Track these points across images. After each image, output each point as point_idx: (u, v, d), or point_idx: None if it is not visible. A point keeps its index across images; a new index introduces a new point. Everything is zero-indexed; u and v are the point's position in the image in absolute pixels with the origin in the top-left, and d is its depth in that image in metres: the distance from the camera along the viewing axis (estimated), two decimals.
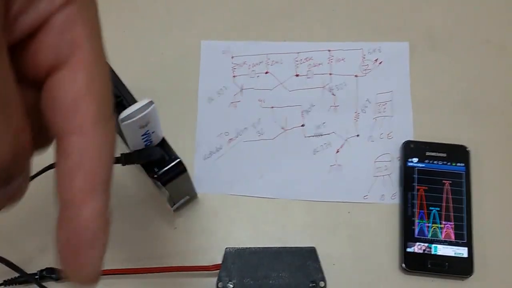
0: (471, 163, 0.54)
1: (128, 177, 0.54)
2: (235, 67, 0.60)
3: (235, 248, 0.48)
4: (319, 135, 0.57)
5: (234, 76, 0.59)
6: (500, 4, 0.62)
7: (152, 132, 0.43)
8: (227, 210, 0.54)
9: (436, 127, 0.57)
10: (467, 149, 0.55)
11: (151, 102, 0.40)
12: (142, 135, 0.42)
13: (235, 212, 0.54)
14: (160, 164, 0.44)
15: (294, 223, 0.53)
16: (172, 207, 0.51)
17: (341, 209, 0.54)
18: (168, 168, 0.44)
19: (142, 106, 0.40)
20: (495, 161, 0.55)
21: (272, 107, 0.58)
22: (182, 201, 0.51)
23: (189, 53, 0.61)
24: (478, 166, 0.54)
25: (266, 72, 0.59)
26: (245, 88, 0.59)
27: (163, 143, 0.46)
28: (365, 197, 0.54)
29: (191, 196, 0.52)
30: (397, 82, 0.58)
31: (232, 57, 0.60)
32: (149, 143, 0.43)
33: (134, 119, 0.39)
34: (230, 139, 0.57)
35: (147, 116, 0.40)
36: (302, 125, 0.57)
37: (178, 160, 0.44)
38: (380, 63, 0.59)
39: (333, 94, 0.58)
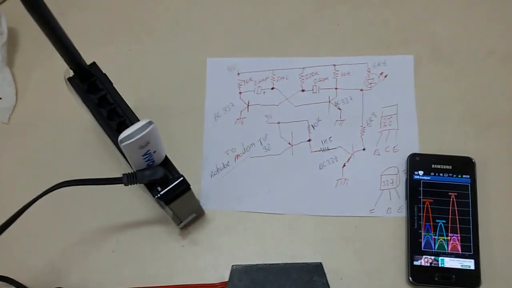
0: (477, 175, 0.54)
1: (133, 196, 0.55)
2: (241, 84, 0.60)
3: (241, 265, 0.48)
4: (325, 150, 0.57)
5: (240, 93, 0.60)
6: (504, 16, 0.62)
7: (154, 152, 0.43)
8: (234, 226, 0.55)
9: (442, 139, 0.57)
10: (472, 161, 0.55)
11: (150, 122, 0.41)
12: (143, 155, 0.42)
13: (243, 229, 0.54)
14: (163, 183, 0.45)
15: (301, 238, 0.54)
16: (178, 225, 0.52)
17: (348, 223, 0.54)
18: (171, 187, 0.44)
19: (141, 126, 0.41)
20: (501, 173, 0.55)
21: (279, 123, 0.58)
22: (189, 218, 0.52)
23: (195, 70, 0.62)
24: (483, 177, 0.54)
25: (272, 88, 0.60)
26: (251, 105, 0.59)
27: (166, 161, 0.47)
28: (371, 211, 0.54)
29: (197, 213, 0.53)
30: (402, 95, 0.58)
31: (238, 74, 0.61)
32: (151, 163, 0.44)
33: (133, 139, 0.40)
34: (237, 155, 0.57)
35: (146, 136, 0.41)
36: (309, 140, 0.57)
37: (181, 178, 0.45)
38: (385, 76, 0.59)
39: (339, 109, 0.59)
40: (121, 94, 0.50)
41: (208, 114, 0.59)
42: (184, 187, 0.45)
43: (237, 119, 0.59)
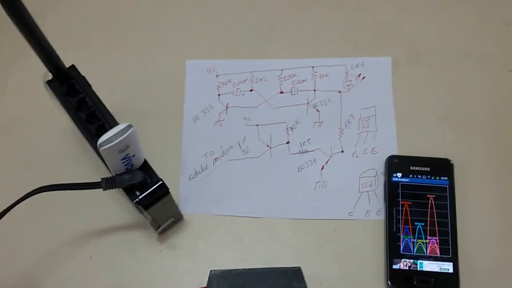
0: (455, 176, 0.54)
1: (111, 201, 0.54)
2: (220, 86, 0.60)
3: (220, 270, 0.48)
4: (304, 152, 0.57)
5: (219, 95, 0.60)
6: (480, 17, 0.62)
7: (133, 156, 0.43)
8: (213, 231, 0.54)
9: (420, 141, 0.57)
10: (451, 163, 0.55)
11: (130, 126, 0.40)
12: (122, 159, 0.42)
13: (221, 233, 0.54)
14: (142, 187, 0.44)
15: (280, 242, 0.53)
16: (156, 230, 0.51)
17: (327, 226, 0.54)
18: (150, 192, 0.44)
19: (120, 130, 0.40)
20: (479, 175, 0.55)
21: (257, 125, 0.58)
22: (167, 223, 0.52)
23: (174, 72, 0.61)
24: (462, 179, 0.54)
25: (251, 90, 0.60)
26: (230, 107, 0.59)
27: (145, 165, 0.46)
28: (350, 214, 0.54)
29: (176, 218, 0.52)
30: (380, 96, 0.58)
31: (217, 76, 0.60)
32: (130, 167, 0.44)
33: (112, 143, 0.40)
34: (216, 158, 0.57)
35: (126, 140, 0.40)
36: (287, 142, 0.57)
37: (160, 182, 0.44)
38: (363, 78, 0.59)
39: (317, 110, 0.58)
40: (100, 97, 0.49)
41: (187, 117, 0.59)
42: (163, 191, 0.45)
43: (216, 121, 0.58)
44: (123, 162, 0.42)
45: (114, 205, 0.55)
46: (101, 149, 0.39)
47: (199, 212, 0.55)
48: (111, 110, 0.54)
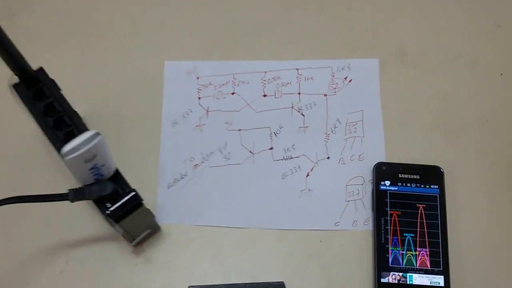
0: (446, 185, 0.52)
1: (83, 211, 0.51)
2: (200, 89, 0.57)
3: (199, 286, 0.45)
4: (288, 159, 0.54)
5: (199, 98, 0.57)
6: (472, 19, 0.60)
7: (102, 165, 0.40)
8: (192, 242, 0.51)
9: (409, 147, 0.54)
10: (441, 170, 0.52)
11: (97, 134, 0.37)
12: (90, 169, 0.39)
13: (201, 245, 0.51)
14: (113, 198, 0.41)
15: (264, 255, 0.51)
16: (131, 243, 0.48)
17: (313, 237, 0.51)
18: (122, 203, 0.41)
19: (87, 138, 0.37)
20: (471, 182, 0.53)
21: (239, 130, 0.56)
22: (142, 235, 0.49)
23: (152, 74, 0.58)
24: (453, 188, 0.52)
25: (233, 93, 0.57)
26: (211, 110, 0.56)
27: (117, 175, 0.43)
28: (336, 224, 0.52)
29: (152, 229, 0.50)
30: (367, 100, 0.56)
31: (197, 78, 0.58)
32: (99, 177, 0.41)
33: (78, 153, 0.37)
34: (196, 165, 0.54)
35: (93, 149, 0.37)
36: (271, 148, 0.55)
37: (133, 193, 0.42)
38: (350, 81, 0.57)
39: (302, 115, 0.56)
40: (72, 101, 0.47)
41: (165, 121, 0.56)
42: (136, 202, 0.42)
43: (196, 126, 0.56)
44: (92, 173, 0.39)
45: (86, 215, 0.51)
46: (65, 159, 0.36)
47: (178, 223, 0.52)
48: (85, 115, 0.52)
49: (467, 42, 0.59)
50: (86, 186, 0.40)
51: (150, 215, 0.47)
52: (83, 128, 0.44)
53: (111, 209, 0.41)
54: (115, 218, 0.41)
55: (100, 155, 0.38)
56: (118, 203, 0.40)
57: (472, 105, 0.56)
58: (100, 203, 0.42)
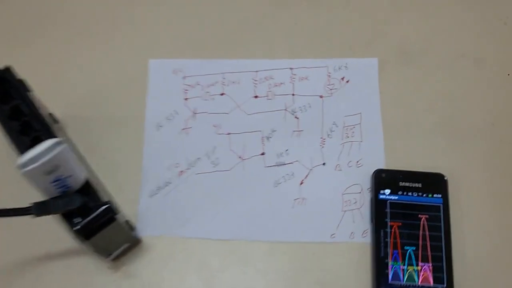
0: (450, 194, 0.49)
1: (53, 223, 0.47)
2: (187, 89, 0.54)
3: None
4: (281, 165, 0.51)
5: (186, 99, 0.54)
6: (477, 15, 0.57)
7: (68, 176, 0.36)
8: (176, 256, 0.48)
9: (410, 153, 0.51)
10: (444, 178, 0.49)
11: (59, 142, 0.33)
12: (53, 182, 0.35)
13: (186, 258, 0.48)
14: (83, 212, 0.38)
15: (254, 269, 0.47)
16: (106, 258, 0.44)
17: (306, 250, 0.48)
18: (92, 218, 0.37)
19: (47, 148, 0.33)
20: (476, 191, 0.50)
21: (229, 134, 0.52)
22: (120, 249, 0.45)
23: (135, 73, 0.55)
24: (457, 197, 0.49)
25: (222, 94, 0.54)
26: (198, 112, 0.53)
27: (87, 186, 0.39)
28: (332, 236, 0.48)
29: (132, 242, 0.46)
30: (366, 102, 0.53)
31: (184, 77, 0.55)
32: (66, 189, 0.37)
33: (35, 165, 0.33)
34: (181, 171, 0.51)
35: (54, 160, 0.34)
36: (262, 154, 0.52)
37: (105, 206, 0.38)
38: (347, 81, 0.54)
39: (296, 117, 0.53)
40: (48, 102, 0.45)
41: (149, 124, 0.53)
42: (109, 216, 0.38)
43: (182, 129, 0.53)
44: (56, 185, 0.35)
45: (57, 227, 0.47)
46: (21, 171, 0.32)
47: (161, 234, 0.49)
48: (62, 117, 0.50)
49: (472, 41, 0.56)
50: (52, 200, 0.36)
51: (127, 228, 0.43)
52: (52, 134, 0.40)
53: (81, 224, 0.37)
54: (84, 235, 0.37)
55: (64, 165, 0.34)
56: (88, 218, 0.36)
57: (477, 107, 0.53)
58: (69, 217, 0.38)
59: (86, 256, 0.47)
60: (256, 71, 0.55)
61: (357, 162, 0.51)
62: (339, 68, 0.54)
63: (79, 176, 0.37)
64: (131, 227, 0.47)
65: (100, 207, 0.38)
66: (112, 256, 0.45)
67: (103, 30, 0.57)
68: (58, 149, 0.33)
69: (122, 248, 0.45)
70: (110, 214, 0.38)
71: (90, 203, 0.38)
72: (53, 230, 0.47)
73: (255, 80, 0.54)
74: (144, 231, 0.49)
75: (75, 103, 0.53)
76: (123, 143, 0.52)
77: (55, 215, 0.38)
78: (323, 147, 0.52)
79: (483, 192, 0.50)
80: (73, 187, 0.37)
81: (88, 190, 0.39)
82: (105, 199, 0.41)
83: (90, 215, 0.37)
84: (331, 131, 0.52)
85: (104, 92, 0.54)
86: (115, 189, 0.50)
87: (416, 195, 0.49)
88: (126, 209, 0.49)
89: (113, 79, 0.55)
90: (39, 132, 0.40)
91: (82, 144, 0.52)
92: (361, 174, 0.50)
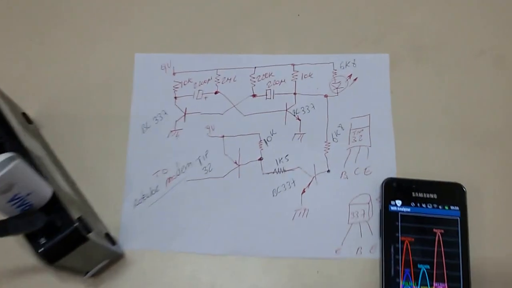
0: (468, 206, 0.45)
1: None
2: (177, 86, 0.51)
3: None
4: (280, 172, 0.48)
5: (175, 98, 0.51)
6: (497, 8, 0.53)
7: (28, 194, 0.31)
8: (163, 273, 0.44)
9: (424, 159, 0.48)
10: (463, 189, 0.46)
11: (12, 158, 0.28)
12: (10, 201, 0.30)
13: (174, 276, 0.44)
14: (49, 232, 0.33)
15: (249, 287, 0.43)
16: (84, 276, 0.39)
17: (308, 267, 0.44)
18: (58, 240, 0.32)
19: None
20: (498, 203, 0.46)
21: (223, 136, 0.49)
22: (98, 266, 0.40)
23: (119, 69, 0.51)
24: (476, 209, 0.45)
25: (216, 92, 0.51)
26: (189, 113, 0.50)
27: (53, 203, 0.34)
28: (337, 251, 0.45)
29: (112, 257, 0.41)
30: (375, 103, 0.50)
31: (174, 74, 0.51)
32: (27, 207, 0.32)
33: None
34: (170, 178, 0.48)
35: (7, 177, 0.29)
36: (260, 159, 0.49)
37: (74, 226, 0.33)
38: (355, 79, 0.51)
39: (298, 119, 0.50)
40: (21, 100, 0.44)
41: (134, 125, 0.50)
42: (79, 237, 0.33)
43: (171, 131, 0.49)
44: (14, 204, 0.30)
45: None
46: None
47: (146, 248, 0.45)
48: (37, 116, 0.47)
49: (492, 36, 0.52)
50: (10, 219, 0.31)
51: (107, 243, 0.39)
52: (16, 144, 0.35)
53: (44, 247, 0.32)
54: (49, 258, 0.32)
55: (20, 183, 0.30)
56: (53, 239, 0.31)
57: (499, 109, 0.49)
58: (33, 238, 0.33)
59: (62, 273, 0.43)
60: (254, 67, 0.51)
61: (365, 169, 0.48)
62: (346, 65, 0.51)
63: (42, 193, 0.33)
64: (112, 241, 0.43)
65: (69, 227, 0.33)
66: (90, 274, 0.40)
67: (83, 21, 0.53)
68: (11, 166, 0.28)
69: (101, 265, 0.40)
70: (81, 234, 0.33)
71: (57, 221, 0.33)
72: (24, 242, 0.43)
73: (253, 77, 0.51)
74: (127, 245, 0.45)
75: (51, 101, 0.50)
76: (105, 146, 0.49)
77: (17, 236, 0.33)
78: (327, 152, 0.48)
79: (505, 204, 0.46)
80: (36, 205, 0.32)
81: (55, 207, 0.34)
82: (78, 214, 0.36)
83: (57, 236, 0.32)
84: (337, 134, 0.49)
85: (85, 89, 0.50)
86: (95, 197, 0.46)
87: (430, 207, 0.45)
88: (107, 219, 0.45)
89: (94, 75, 0.51)
90: (1, 139, 0.34)
91: (59, 147, 0.48)
92: (369, 182, 0.47)
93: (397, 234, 0.44)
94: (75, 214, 0.35)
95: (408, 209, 0.45)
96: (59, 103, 0.49)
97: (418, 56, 0.51)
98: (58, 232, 0.32)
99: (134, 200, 0.47)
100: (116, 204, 0.46)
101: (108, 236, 0.43)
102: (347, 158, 0.48)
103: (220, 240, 0.45)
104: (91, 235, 0.35)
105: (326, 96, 0.50)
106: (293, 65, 0.51)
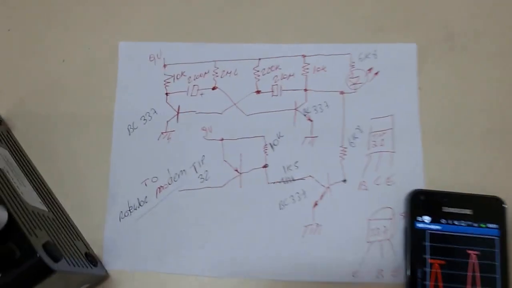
0: (509, 223, 0.41)
1: None
2: (168, 80, 0.46)
3: None
4: (289, 181, 0.44)
5: (167, 94, 0.46)
6: None
7: None
8: None
9: (458, 168, 0.43)
10: (503, 204, 0.41)
11: None
12: None
13: None
14: (5, 264, 0.28)
15: None
16: None
17: None
18: (17, 275, 0.27)
19: None
20: None
21: (222, 139, 0.45)
22: None
23: (101, 60, 0.47)
24: None
25: (214, 88, 0.46)
26: (183, 112, 0.45)
27: (11, 229, 0.29)
28: (354, 275, 0.41)
29: (94, 282, 0.37)
30: (400, 101, 0.45)
31: (164, 66, 0.47)
32: None
33: None
34: (160, 187, 0.44)
35: None
36: (265, 166, 0.44)
37: (36, 258, 0.27)
38: (376, 74, 0.46)
39: (309, 120, 0.45)
40: None
41: (118, 125, 0.46)
42: (42, 270, 0.28)
43: (162, 133, 0.45)
44: None
45: None
46: None
47: (133, 269, 0.41)
48: (8, 116, 0.44)
49: None
50: None
51: (81, 271, 0.34)
52: None
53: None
54: None
55: None
56: (8, 275, 0.26)
57: None
58: None
59: None
60: (258, 59, 0.46)
61: (388, 179, 0.43)
62: (366, 56, 0.46)
63: None
64: (92, 262, 0.38)
65: (30, 258, 0.27)
66: None
67: (57, 5, 0.48)
68: None
69: None
70: (45, 265, 0.27)
71: (15, 251, 0.27)
72: None
73: (257, 71, 0.46)
74: (111, 265, 0.41)
75: (24, 99, 0.45)
76: (85, 150, 0.44)
77: None
78: (343, 158, 0.44)
79: None
80: None
81: (12, 234, 0.28)
82: (46, 236, 0.31)
83: (15, 269, 0.27)
84: (354, 138, 0.44)
85: (62, 85, 0.46)
86: (75, 209, 0.42)
87: (464, 224, 0.41)
88: (88, 235, 0.41)
89: (73, 68, 0.46)
90: None
91: (33, 151, 0.43)
92: (392, 194, 0.43)
93: (424, 256, 0.40)
94: (41, 238, 0.30)
95: (438, 227, 0.41)
96: (33, 101, 0.45)
97: (452, 45, 0.45)
98: (16, 265, 0.27)
99: (119, 212, 0.43)
100: (98, 217, 0.42)
101: (88, 256, 0.38)
102: (367, 166, 0.43)
103: (218, 260, 0.42)
104: (59, 265, 0.29)
105: (342, 93, 0.45)
106: (304, 56, 0.46)
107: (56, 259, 0.29)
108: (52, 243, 0.30)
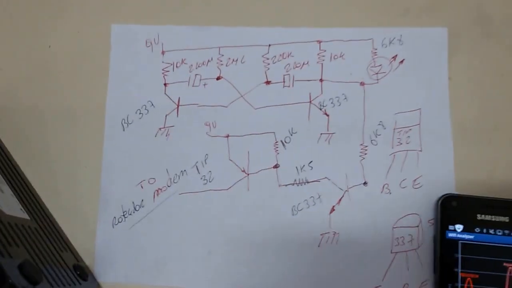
0: None
1: None
2: (167, 69, 0.43)
3: None
4: (302, 183, 0.40)
5: (165, 84, 0.42)
6: None
7: None
8: None
9: (494, 170, 0.39)
10: None
11: None
12: None
13: None
14: None
15: None
16: None
17: None
18: None
19: None
20: None
21: (228, 136, 0.41)
22: None
23: (91, 45, 0.42)
24: None
25: (218, 78, 0.42)
26: (183, 104, 0.42)
27: None
28: None
29: None
30: (428, 93, 0.41)
31: (163, 52, 0.43)
32: None
33: None
34: (158, 189, 0.41)
35: None
36: (276, 166, 0.41)
37: (8, 283, 0.24)
38: (401, 62, 0.42)
39: (325, 114, 0.41)
40: None
41: (111, 120, 0.42)
42: None
43: (160, 128, 0.42)
44: None
45: None
46: None
47: (128, 281, 0.39)
48: None
49: None
50: None
51: (74, 278, 0.30)
52: None
53: None
54: None
55: None
56: None
57: None
58: None
59: None
60: (268, 45, 0.42)
61: (415, 181, 0.40)
62: (390, 42, 0.42)
63: None
64: (82, 275, 0.34)
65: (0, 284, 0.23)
66: None
67: None
68: None
69: None
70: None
71: None
72: None
73: (267, 58, 0.42)
74: (104, 277, 0.39)
75: (4, 90, 0.41)
76: (74, 148, 0.40)
77: None
78: (364, 158, 0.40)
79: None
80: None
81: None
82: (24, 253, 0.27)
83: None
84: (377, 135, 0.40)
85: (47, 74, 0.42)
86: (62, 215, 0.39)
87: (501, 233, 0.38)
88: (78, 243, 0.38)
89: (59, 55, 0.42)
90: None
91: (15, 148, 0.40)
92: (419, 199, 0.40)
93: (456, 269, 0.37)
94: (17, 257, 0.26)
95: (471, 236, 0.38)
96: (14, 93, 0.41)
97: (487, 30, 0.41)
98: None
99: (112, 218, 0.40)
100: (89, 224, 0.39)
101: (77, 269, 0.34)
102: (390, 166, 0.40)
103: (223, 272, 0.38)
104: None
105: (362, 84, 0.41)
106: (319, 42, 0.42)
107: (34, 282, 0.25)
108: (31, 262, 0.26)
